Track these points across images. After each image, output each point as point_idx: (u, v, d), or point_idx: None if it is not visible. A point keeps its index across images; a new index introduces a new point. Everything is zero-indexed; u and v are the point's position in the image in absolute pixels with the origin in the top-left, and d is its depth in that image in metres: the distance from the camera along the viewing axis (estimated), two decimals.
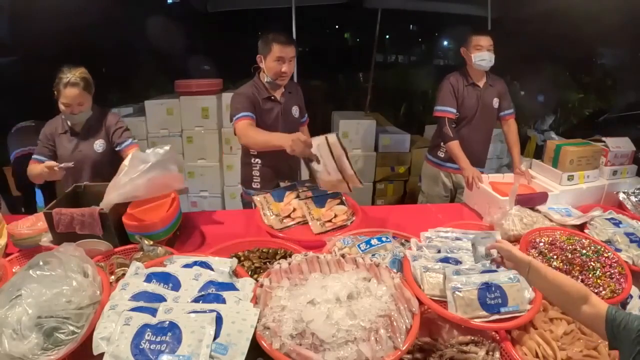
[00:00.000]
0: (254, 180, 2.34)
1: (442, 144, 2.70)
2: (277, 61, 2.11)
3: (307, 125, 2.53)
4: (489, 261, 1.21)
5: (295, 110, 2.35)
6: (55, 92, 2.03)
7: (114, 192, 1.70)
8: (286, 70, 2.14)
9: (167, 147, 1.82)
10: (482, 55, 2.54)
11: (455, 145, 2.57)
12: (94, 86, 2.11)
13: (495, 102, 2.71)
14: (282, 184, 2.21)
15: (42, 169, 1.96)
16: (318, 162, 1.93)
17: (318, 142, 1.88)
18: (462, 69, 2.69)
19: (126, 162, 1.79)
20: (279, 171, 2.32)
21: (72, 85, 1.99)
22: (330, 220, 1.94)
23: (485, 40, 2.53)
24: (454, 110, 2.64)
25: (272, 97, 2.23)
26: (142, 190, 1.74)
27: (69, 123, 2.15)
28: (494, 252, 1.21)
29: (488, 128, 2.81)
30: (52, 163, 1.96)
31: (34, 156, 2.17)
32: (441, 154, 2.79)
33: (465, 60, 2.65)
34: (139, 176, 1.72)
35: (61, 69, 2.02)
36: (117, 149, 2.18)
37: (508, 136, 2.74)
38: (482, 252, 1.21)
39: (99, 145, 2.17)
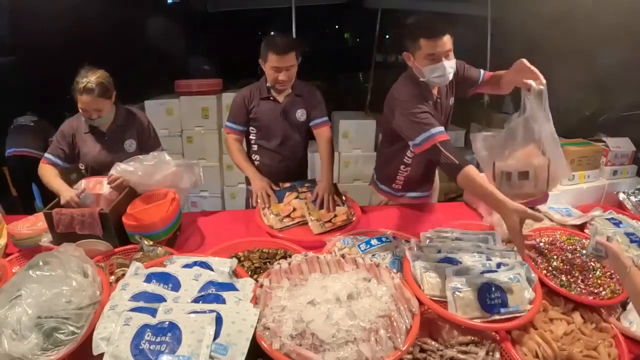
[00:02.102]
0: None
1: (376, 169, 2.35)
2: (273, 70, 2.07)
3: (328, 127, 2.30)
4: (595, 254, 1.28)
5: (300, 114, 2.26)
6: (73, 95, 1.95)
7: (134, 163, 1.88)
8: (283, 79, 2.08)
9: (195, 162, 2.06)
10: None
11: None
12: (114, 88, 2.02)
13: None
14: (282, 185, 2.21)
15: (64, 196, 1.79)
16: None
17: None
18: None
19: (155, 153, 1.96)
20: (276, 170, 2.29)
21: (87, 92, 1.90)
22: (330, 221, 1.94)
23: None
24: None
25: (272, 98, 2.22)
26: (152, 177, 1.90)
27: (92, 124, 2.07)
28: (603, 249, 1.27)
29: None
30: (74, 198, 1.79)
31: (46, 155, 2.06)
32: (396, 185, 2.26)
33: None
34: (157, 165, 1.91)
35: (80, 70, 1.92)
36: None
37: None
38: (594, 244, 1.28)
39: (129, 145, 2.14)
